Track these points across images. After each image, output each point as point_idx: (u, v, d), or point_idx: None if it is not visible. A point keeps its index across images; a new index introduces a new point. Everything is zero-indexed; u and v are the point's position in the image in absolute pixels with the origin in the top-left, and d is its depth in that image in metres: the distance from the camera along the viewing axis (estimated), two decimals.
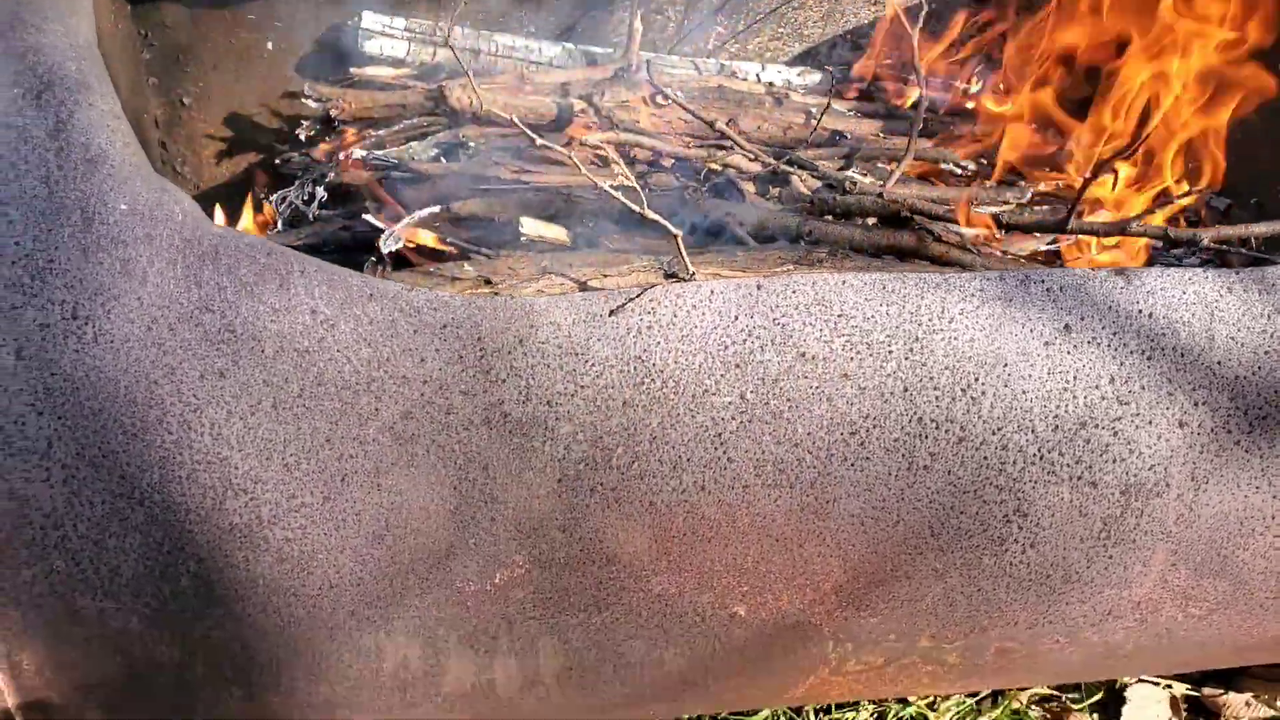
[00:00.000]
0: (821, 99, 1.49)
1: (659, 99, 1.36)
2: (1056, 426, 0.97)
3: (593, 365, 0.90)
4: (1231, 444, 1.01)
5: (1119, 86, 1.44)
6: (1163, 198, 1.36)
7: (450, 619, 0.97)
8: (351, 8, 1.53)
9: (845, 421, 0.94)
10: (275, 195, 1.35)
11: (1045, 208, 1.29)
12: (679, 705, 1.17)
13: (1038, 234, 1.21)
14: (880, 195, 1.16)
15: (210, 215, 1.05)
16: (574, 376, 0.90)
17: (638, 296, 0.90)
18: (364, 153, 1.35)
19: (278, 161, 1.46)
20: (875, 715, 1.41)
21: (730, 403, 0.92)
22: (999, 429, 0.97)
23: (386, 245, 1.09)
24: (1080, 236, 1.20)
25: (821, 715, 1.40)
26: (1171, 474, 1.01)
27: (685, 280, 0.93)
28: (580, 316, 0.90)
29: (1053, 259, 1.26)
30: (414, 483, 0.90)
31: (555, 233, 1.13)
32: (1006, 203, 1.31)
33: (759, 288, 0.93)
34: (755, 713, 1.38)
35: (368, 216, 1.13)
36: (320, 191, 1.32)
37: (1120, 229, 1.09)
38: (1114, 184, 1.37)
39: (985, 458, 0.97)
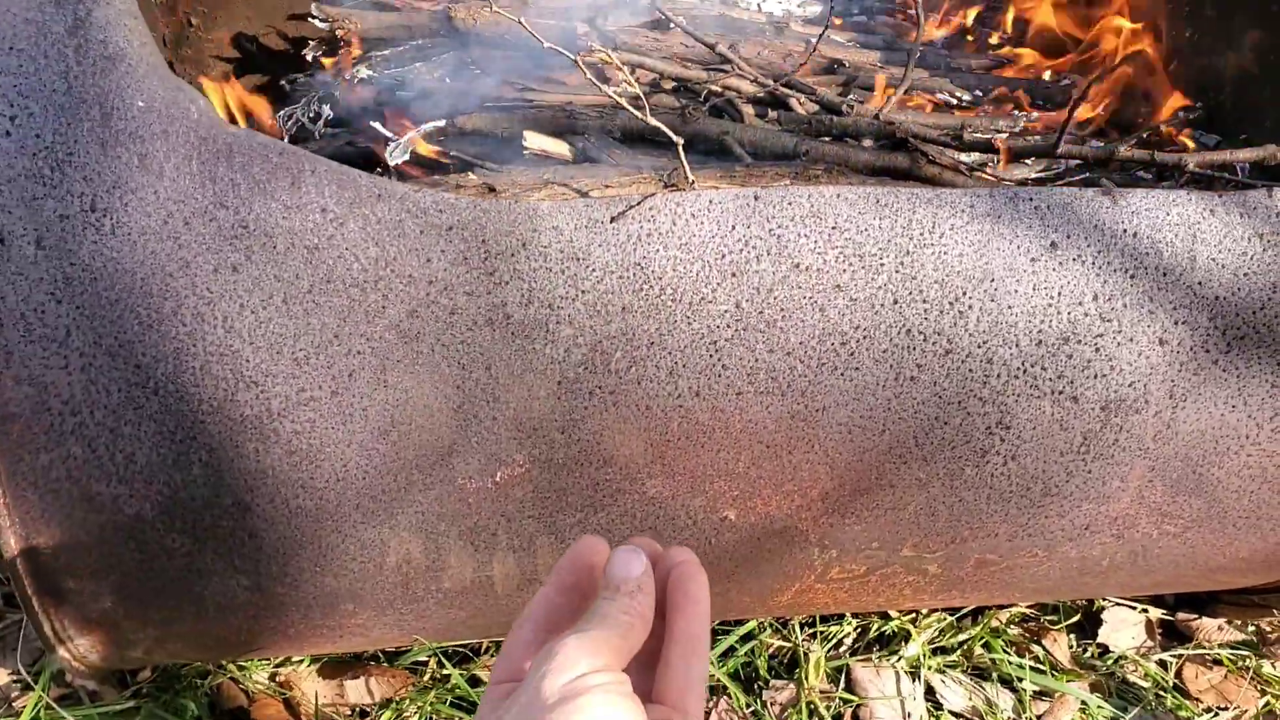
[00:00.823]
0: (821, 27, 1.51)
1: (661, 22, 1.38)
2: (1040, 341, 1.01)
3: (593, 270, 0.93)
4: (1209, 363, 1.04)
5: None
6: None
7: (451, 515, 1.01)
8: None
9: (836, 332, 0.98)
10: (281, 113, 1.37)
11: (1037, 136, 1.32)
12: None
13: (1028, 160, 1.23)
14: (877, 117, 1.18)
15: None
16: (575, 281, 0.93)
17: (638, 204, 0.93)
18: (370, 72, 1.36)
19: (284, 81, 1.48)
20: (858, 629, 1.45)
21: (726, 311, 0.95)
22: (984, 342, 1.00)
23: (393, 156, 1.11)
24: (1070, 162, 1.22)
25: (806, 628, 1.45)
26: (1151, 391, 1.04)
27: (685, 190, 0.95)
28: (582, 222, 0.92)
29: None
30: (419, 380, 0.93)
31: (558, 147, 1.16)
32: (1000, 131, 1.33)
33: (756, 199, 0.95)
34: (742, 623, 1.42)
35: (375, 124, 1.16)
36: (326, 109, 1.33)
37: (1109, 153, 1.11)
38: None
39: (970, 370, 1.01)
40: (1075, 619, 1.52)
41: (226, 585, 1.02)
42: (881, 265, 0.97)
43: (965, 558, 1.16)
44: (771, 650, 1.42)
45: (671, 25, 1.29)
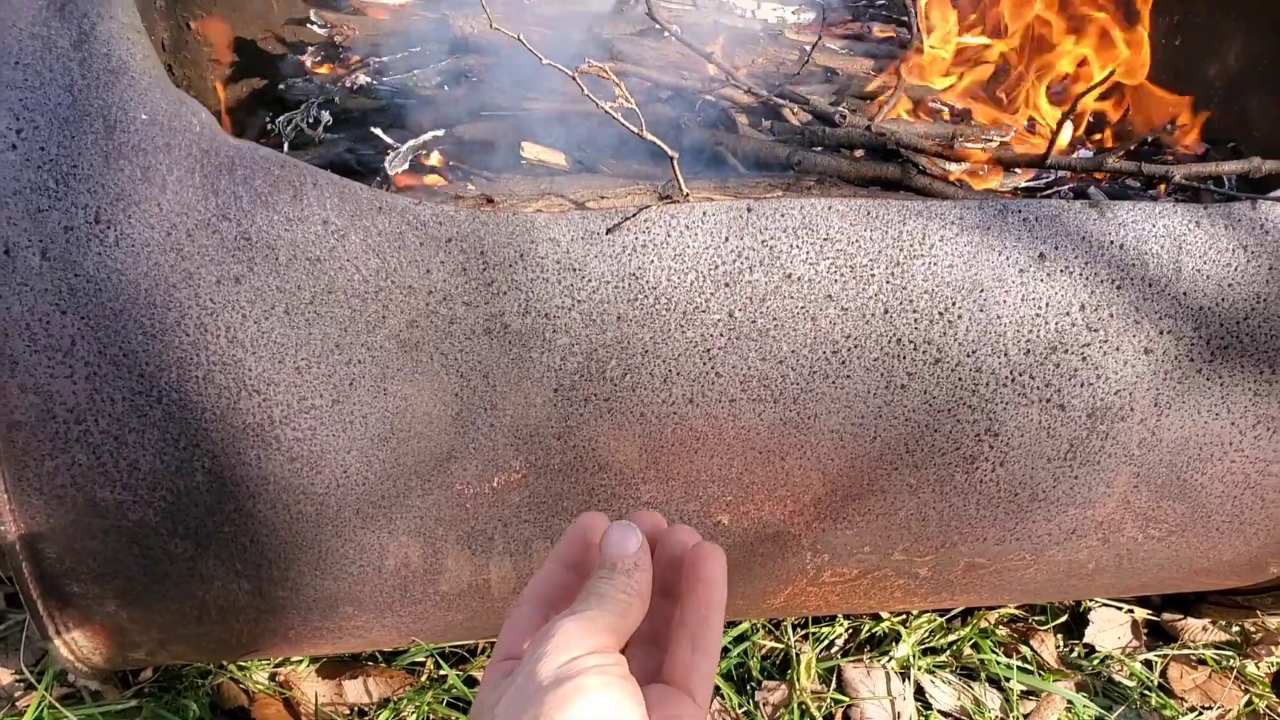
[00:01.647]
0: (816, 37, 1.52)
1: (657, 31, 1.39)
2: (1028, 351, 1.02)
3: (589, 281, 0.94)
4: (1194, 372, 1.06)
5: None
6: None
7: (450, 520, 1.02)
8: None
9: (828, 340, 0.99)
10: (281, 118, 1.38)
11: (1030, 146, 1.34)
12: None
13: (1019, 170, 1.25)
14: (869, 128, 1.20)
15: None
16: (571, 291, 0.94)
17: (634, 216, 0.94)
18: (369, 79, 1.38)
19: (282, 86, 1.49)
20: (849, 630, 1.48)
21: (719, 320, 0.97)
22: (973, 351, 1.02)
23: (393, 166, 1.13)
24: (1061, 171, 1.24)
25: (798, 630, 1.47)
26: (1136, 399, 1.06)
27: (679, 202, 0.97)
28: (578, 234, 0.94)
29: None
30: (418, 388, 0.95)
31: (554, 157, 1.17)
32: (991, 140, 1.35)
33: (749, 210, 0.97)
34: (736, 624, 1.44)
35: (376, 130, 1.17)
36: (325, 115, 1.35)
37: (1097, 165, 1.13)
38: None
39: (960, 379, 1.03)
40: (1062, 619, 1.55)
41: (228, 589, 1.03)
42: (872, 276, 0.99)
43: (955, 561, 1.18)
44: (764, 651, 1.44)
45: (666, 34, 1.30)
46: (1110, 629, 1.53)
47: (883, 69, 1.49)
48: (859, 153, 1.22)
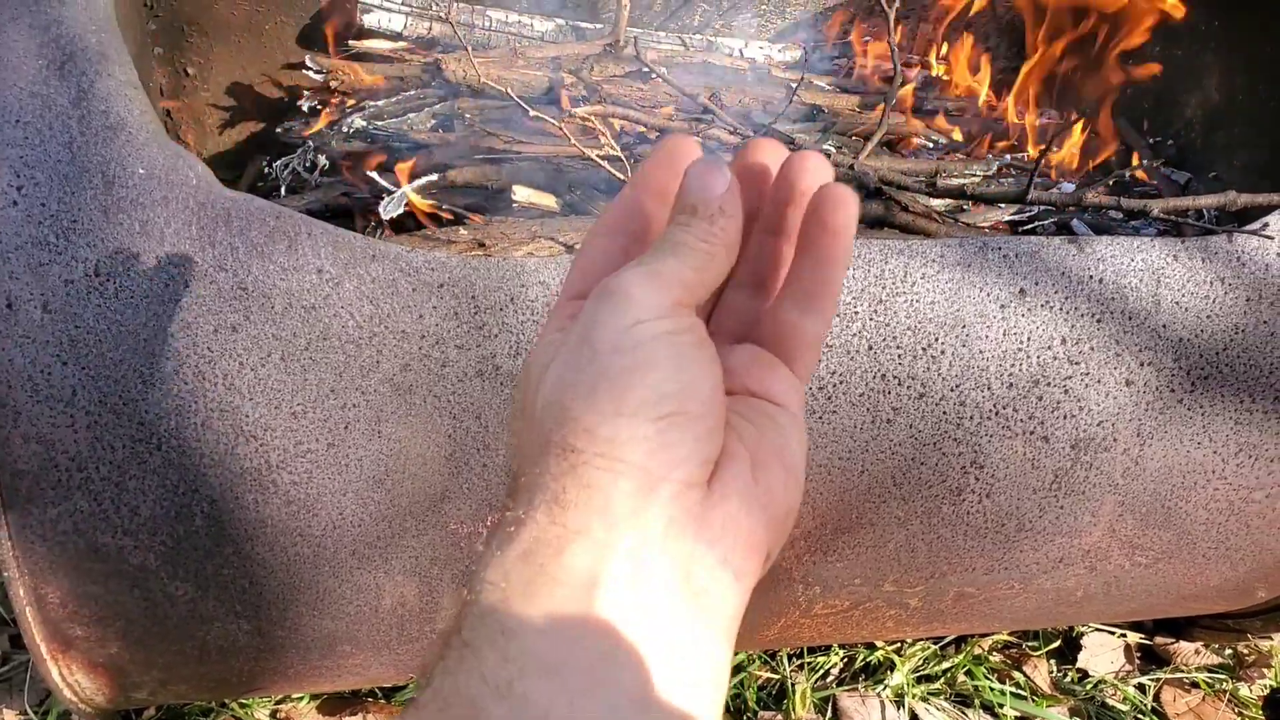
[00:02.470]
0: (801, 74, 1.55)
1: (645, 74, 1.42)
2: (1011, 384, 1.04)
3: None
4: (1175, 402, 1.08)
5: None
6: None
7: (445, 559, 1.04)
8: None
9: (814, 377, 1.01)
10: (278, 162, 1.41)
11: (1011, 180, 1.36)
12: None
13: (1001, 205, 1.27)
14: (852, 167, 1.22)
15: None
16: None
17: None
18: (364, 123, 1.40)
19: (279, 130, 1.52)
20: (845, 660, 1.49)
21: None
22: (957, 386, 1.04)
23: (387, 211, 1.15)
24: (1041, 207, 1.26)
25: (794, 659, 1.48)
26: (1119, 430, 1.08)
27: None
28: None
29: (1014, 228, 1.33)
30: (412, 431, 0.97)
31: (545, 200, 1.20)
32: (974, 175, 1.37)
33: None
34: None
35: (372, 174, 1.19)
36: (322, 159, 1.37)
37: (1076, 199, 1.16)
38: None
39: (944, 412, 1.04)
40: (1055, 645, 1.56)
41: (228, 630, 1.05)
42: (856, 313, 1.01)
43: (945, 591, 1.19)
44: (760, 681, 1.46)
45: (654, 75, 1.33)
46: (1103, 653, 1.54)
47: (870, 105, 1.52)
48: None
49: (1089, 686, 1.51)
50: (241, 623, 1.04)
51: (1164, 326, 1.06)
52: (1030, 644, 1.56)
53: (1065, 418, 1.06)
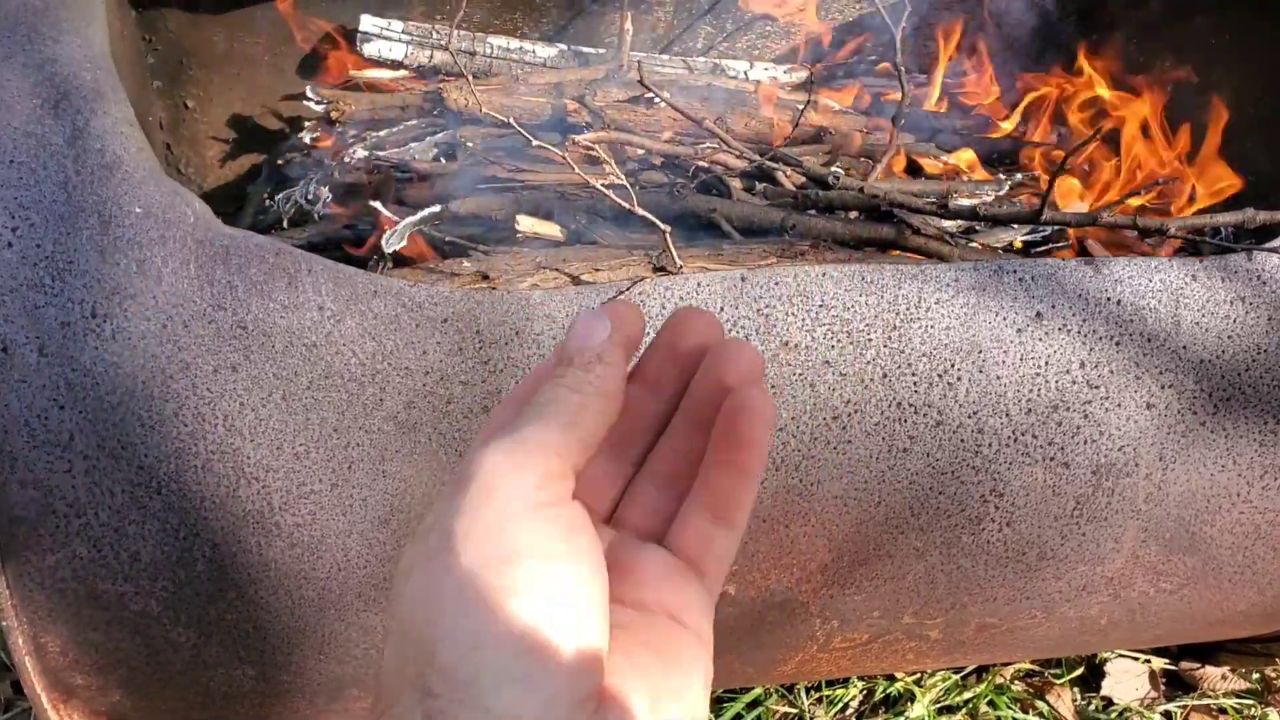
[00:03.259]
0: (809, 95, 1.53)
1: (649, 98, 1.40)
2: (1030, 410, 1.02)
3: None
4: (1197, 425, 1.06)
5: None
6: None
7: None
8: (350, 11, 1.57)
9: (827, 406, 0.99)
10: (280, 195, 1.39)
11: (1022, 199, 1.34)
12: None
13: (1014, 225, 1.25)
14: (861, 190, 1.20)
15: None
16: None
17: (628, 289, 0.95)
18: (366, 153, 1.39)
19: (280, 162, 1.50)
20: (864, 692, 1.46)
21: None
22: (974, 413, 1.01)
23: (389, 244, 1.14)
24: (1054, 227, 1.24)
25: (812, 693, 1.45)
26: (1140, 454, 1.06)
27: (674, 274, 0.97)
28: (573, 310, 0.94)
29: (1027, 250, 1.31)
30: (417, 469, 0.95)
31: (549, 230, 1.18)
32: (985, 195, 1.35)
33: (743, 280, 0.97)
34: (748, 690, 1.43)
35: (375, 204, 1.18)
36: (325, 192, 1.36)
37: (1092, 220, 1.13)
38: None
39: (962, 440, 1.02)
40: (1079, 672, 1.53)
41: (232, 675, 1.03)
42: (869, 340, 0.99)
43: (966, 622, 1.17)
44: (778, 716, 1.43)
45: (658, 101, 1.31)
46: (1128, 680, 1.51)
47: (875, 126, 1.50)
48: (854, 214, 1.23)
49: (1114, 715, 1.48)
50: (246, 668, 1.02)
51: (1184, 348, 1.04)
52: (1053, 671, 1.53)
53: (1085, 443, 1.04)
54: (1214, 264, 1.04)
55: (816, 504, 1.02)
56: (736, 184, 1.26)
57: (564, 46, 1.63)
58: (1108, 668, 1.52)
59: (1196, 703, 1.49)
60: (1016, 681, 1.50)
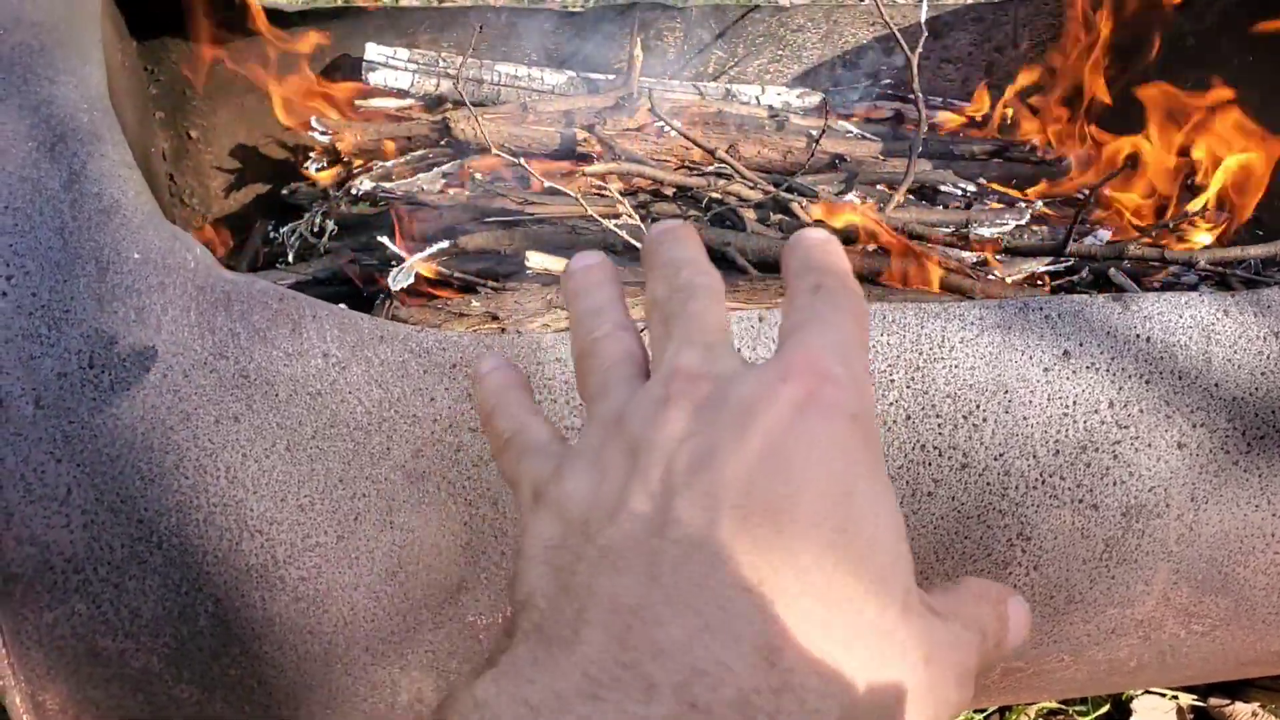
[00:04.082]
0: (822, 120, 1.50)
1: (660, 127, 1.38)
2: (1057, 451, 0.99)
3: None
4: (1230, 464, 1.02)
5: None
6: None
7: (462, 652, 0.99)
8: (354, 40, 1.55)
9: None
10: (285, 228, 1.37)
11: (1045, 228, 1.31)
12: None
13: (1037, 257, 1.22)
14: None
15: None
16: (580, 411, 0.91)
17: (641, 331, 0.91)
18: (372, 184, 1.36)
19: (285, 193, 1.48)
20: None
21: None
22: (1001, 455, 0.98)
23: (396, 282, 1.11)
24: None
25: None
26: (1171, 495, 1.02)
27: None
28: None
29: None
30: (425, 519, 0.92)
31: (560, 266, 1.15)
32: (1005, 225, 1.32)
33: (761, 320, 0.94)
34: None
35: (383, 239, 1.15)
36: (330, 224, 1.33)
37: (1118, 252, 1.10)
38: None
39: (988, 483, 0.99)
40: (1104, 710, 1.49)
41: None
42: (892, 382, 0.96)
43: (992, 666, 1.13)
44: None
45: (669, 130, 1.29)
46: (1155, 717, 1.47)
47: (891, 151, 1.47)
48: (872, 245, 1.19)
49: None
50: None
51: (1216, 385, 1.00)
52: (1077, 708, 1.49)
53: (1115, 484, 1.01)
54: (1246, 298, 1.01)
55: None
56: (751, 215, 1.22)
57: (573, 73, 1.60)
58: (1134, 705, 1.48)
59: None
60: (1040, 719, 1.46)
